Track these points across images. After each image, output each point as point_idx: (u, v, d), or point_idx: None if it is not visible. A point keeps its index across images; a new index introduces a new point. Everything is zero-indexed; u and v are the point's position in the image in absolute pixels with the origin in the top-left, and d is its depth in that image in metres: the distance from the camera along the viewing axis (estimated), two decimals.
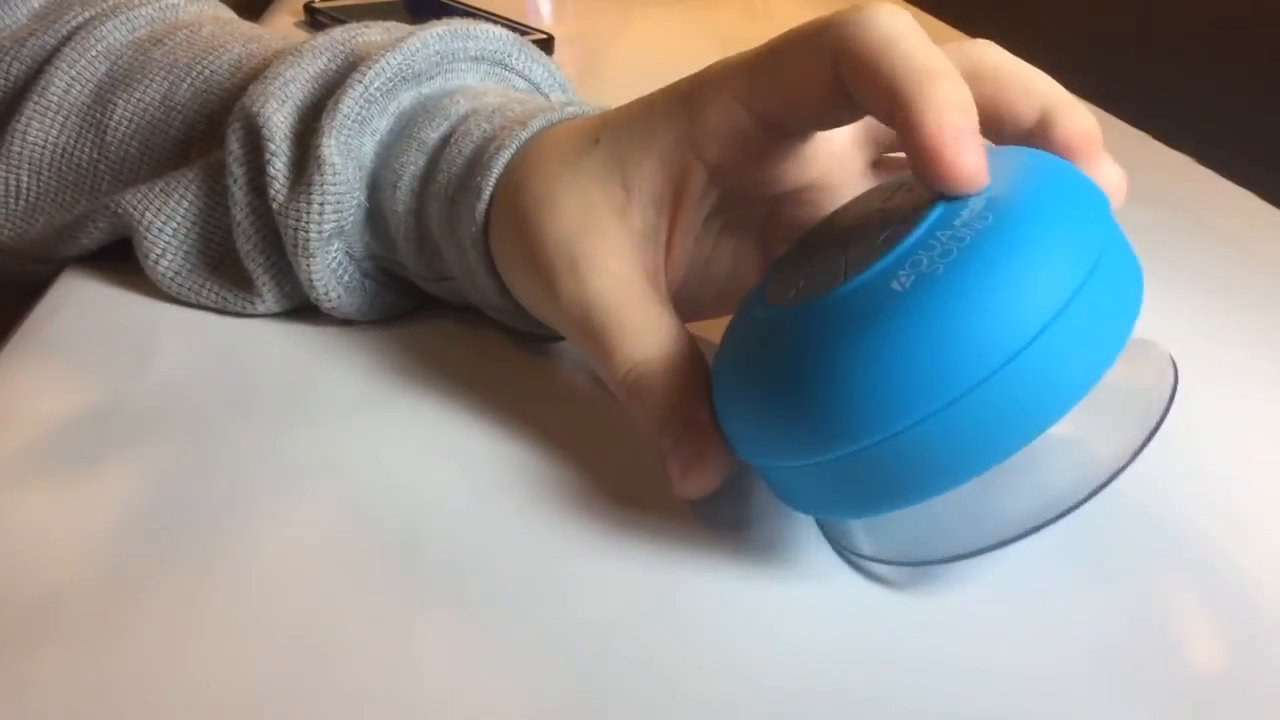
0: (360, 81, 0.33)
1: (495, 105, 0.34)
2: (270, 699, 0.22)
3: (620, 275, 0.29)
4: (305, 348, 0.35)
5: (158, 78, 0.37)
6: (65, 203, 0.38)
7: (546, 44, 0.67)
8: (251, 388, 0.33)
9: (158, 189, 0.36)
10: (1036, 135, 0.27)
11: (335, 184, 0.33)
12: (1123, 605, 0.26)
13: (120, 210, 0.36)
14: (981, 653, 0.25)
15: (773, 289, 0.26)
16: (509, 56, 0.37)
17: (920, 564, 0.26)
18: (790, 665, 0.24)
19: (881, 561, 0.27)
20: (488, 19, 0.41)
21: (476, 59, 0.36)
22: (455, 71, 0.36)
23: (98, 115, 0.37)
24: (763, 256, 0.32)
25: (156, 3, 0.40)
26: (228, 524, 0.27)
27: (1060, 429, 0.24)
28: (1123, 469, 0.23)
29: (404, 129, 0.34)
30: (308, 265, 0.34)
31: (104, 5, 0.39)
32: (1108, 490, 0.30)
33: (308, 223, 0.33)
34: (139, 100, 0.37)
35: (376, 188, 0.34)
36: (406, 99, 0.35)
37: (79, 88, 0.37)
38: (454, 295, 0.36)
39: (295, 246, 0.33)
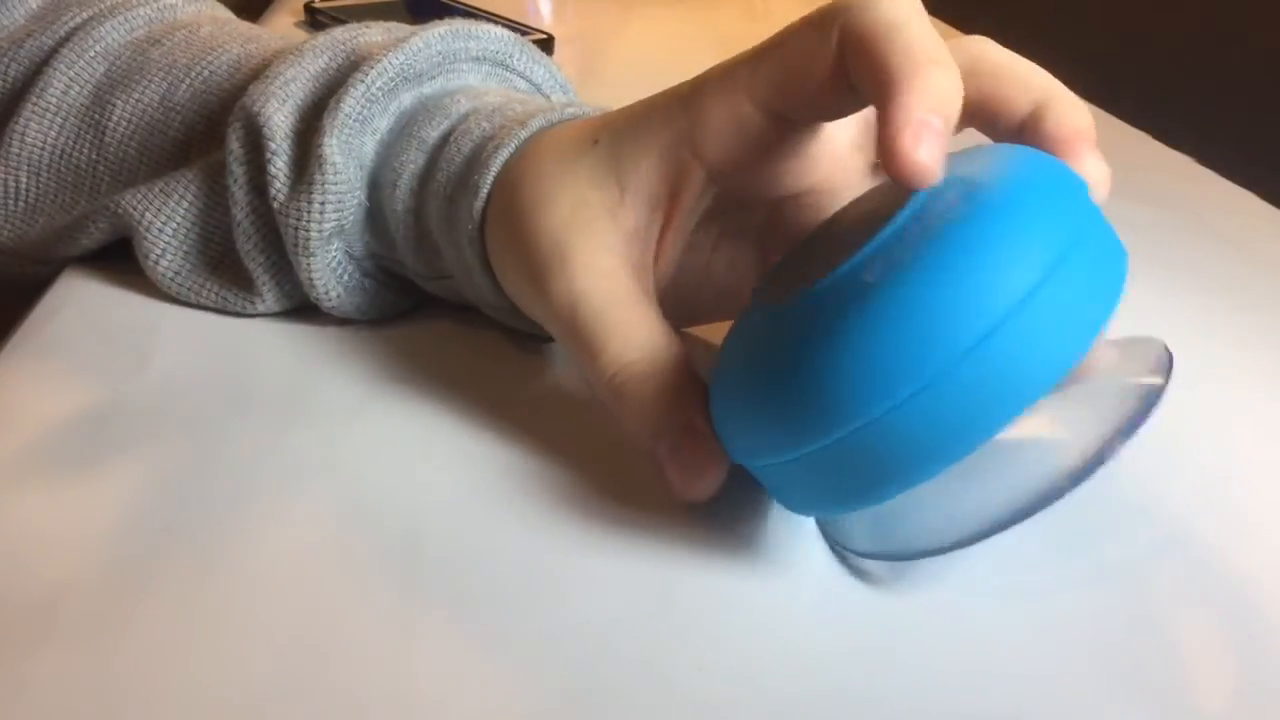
0: (362, 81, 0.33)
1: (495, 105, 0.34)
2: (270, 699, 0.22)
3: (608, 273, 0.29)
4: (305, 347, 0.35)
5: (156, 78, 0.37)
6: (65, 204, 0.38)
7: (546, 44, 0.67)
8: (251, 387, 0.33)
9: (157, 189, 0.36)
10: (1028, 128, 0.27)
11: (336, 183, 0.33)
12: (1122, 605, 0.26)
13: (120, 211, 0.36)
14: (981, 652, 0.25)
15: (765, 290, 0.27)
16: (510, 57, 0.37)
17: (917, 556, 0.26)
18: (790, 665, 0.24)
19: (880, 557, 0.27)
20: (488, 19, 0.41)
21: (478, 59, 0.36)
22: (456, 72, 0.36)
23: (96, 116, 0.37)
24: (762, 263, 0.32)
25: (154, 3, 0.40)
26: (228, 524, 0.27)
27: (1050, 419, 0.24)
28: (1112, 455, 0.23)
29: (404, 128, 0.34)
30: (308, 264, 0.34)
31: (102, 5, 0.39)
32: (1107, 490, 0.30)
33: (308, 222, 0.33)
34: (138, 101, 0.37)
35: (376, 186, 0.34)
36: (407, 99, 0.35)
37: (77, 89, 0.37)
38: (453, 294, 0.36)
39: (296, 246, 0.33)
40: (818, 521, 0.28)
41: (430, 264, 0.34)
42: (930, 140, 0.23)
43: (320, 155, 0.32)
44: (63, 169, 0.38)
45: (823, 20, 0.26)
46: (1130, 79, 0.77)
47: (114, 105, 0.37)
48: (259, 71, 0.37)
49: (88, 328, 0.35)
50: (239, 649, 0.24)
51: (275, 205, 0.33)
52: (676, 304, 0.32)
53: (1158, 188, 0.54)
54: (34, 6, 0.39)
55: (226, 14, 0.43)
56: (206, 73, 0.37)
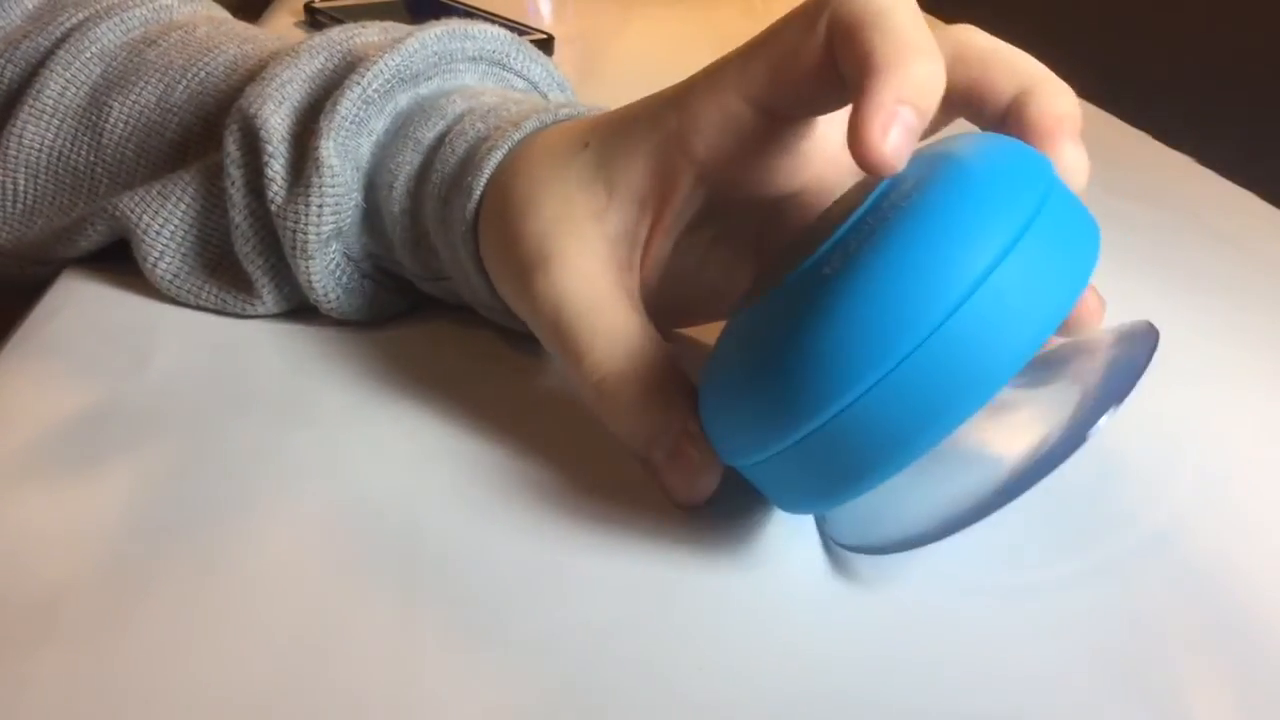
0: (358, 83, 0.33)
1: (491, 105, 0.34)
2: (270, 698, 0.22)
3: (591, 276, 0.29)
4: (303, 348, 0.35)
5: (153, 80, 0.37)
6: (63, 205, 0.38)
7: (546, 44, 0.67)
8: (250, 388, 0.33)
9: (155, 191, 0.36)
10: (1011, 115, 0.27)
11: (334, 186, 0.33)
12: (1121, 605, 0.26)
13: (118, 213, 0.36)
14: (980, 652, 0.25)
15: (748, 294, 0.27)
16: (507, 56, 0.37)
17: (908, 547, 0.26)
18: (789, 665, 0.24)
19: (870, 551, 0.27)
20: (487, 19, 0.41)
21: (475, 59, 0.36)
22: (453, 72, 0.36)
23: (93, 118, 0.37)
24: (758, 264, 0.32)
25: (150, 3, 0.39)
26: (227, 524, 0.27)
27: (1029, 398, 0.24)
28: (1093, 432, 0.23)
29: (400, 129, 0.34)
30: (306, 267, 0.34)
31: (98, 6, 0.39)
32: (1106, 489, 0.30)
33: (306, 225, 0.33)
34: (134, 102, 0.37)
35: (373, 188, 0.34)
36: (404, 100, 0.35)
37: (74, 90, 0.37)
38: (450, 295, 0.36)
39: (294, 248, 0.33)
40: (815, 519, 0.28)
41: (428, 265, 0.34)
42: (898, 130, 0.23)
43: (317, 158, 0.32)
44: (60, 171, 0.38)
45: (812, 10, 0.26)
46: (1130, 79, 0.77)
47: (111, 107, 0.37)
48: (255, 72, 0.37)
49: (87, 328, 0.35)
50: (238, 649, 0.24)
51: (273, 208, 0.33)
52: (670, 304, 0.32)
53: (1158, 188, 0.54)
54: (30, 7, 0.39)
55: (223, 14, 0.43)
56: (203, 74, 0.37)
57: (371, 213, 0.34)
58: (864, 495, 0.24)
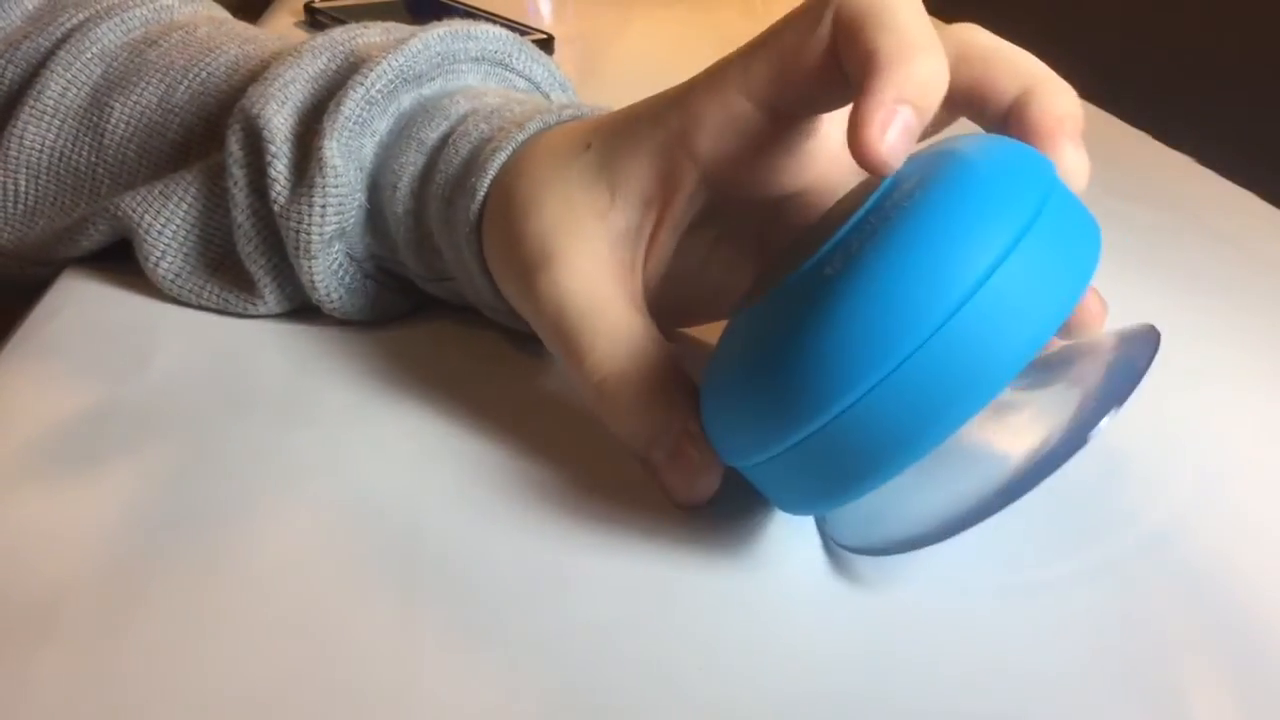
0: (362, 84, 0.33)
1: (494, 106, 0.34)
2: (270, 698, 0.22)
3: (593, 276, 0.29)
4: (305, 348, 0.35)
5: (154, 80, 0.37)
6: (64, 206, 0.38)
7: (546, 44, 0.67)
8: (251, 388, 0.33)
9: (157, 191, 0.36)
10: (1012, 115, 0.27)
11: (337, 186, 0.33)
12: (1121, 604, 0.26)
13: (119, 213, 0.36)
14: (980, 652, 0.25)
15: (748, 296, 0.27)
16: (509, 57, 0.37)
17: (909, 548, 0.26)
18: (789, 665, 0.24)
19: (871, 552, 0.27)
20: (488, 19, 0.41)
21: (477, 59, 0.36)
22: (456, 72, 0.36)
23: (95, 118, 0.37)
24: (761, 264, 0.32)
25: (151, 4, 0.39)
26: (228, 524, 0.27)
27: (1031, 399, 0.24)
28: (1094, 434, 0.23)
29: (404, 129, 0.34)
30: (309, 267, 0.34)
31: (98, 7, 0.39)
32: (1107, 489, 0.30)
33: (309, 225, 0.33)
34: (136, 103, 0.37)
35: (376, 188, 0.34)
36: (407, 100, 0.35)
37: (75, 91, 0.37)
38: (454, 295, 0.36)
39: (297, 248, 0.33)
40: (816, 520, 0.28)
41: (431, 265, 0.35)
42: (896, 129, 0.23)
43: (321, 159, 0.32)
44: (62, 171, 0.38)
45: (816, 7, 0.26)
46: (1130, 79, 0.77)
47: (112, 107, 0.37)
48: (257, 73, 0.37)
49: (88, 328, 0.35)
50: (239, 649, 0.24)
51: (276, 208, 0.33)
52: (672, 304, 0.32)
53: (1158, 188, 0.54)
54: (30, 8, 0.39)
55: (223, 14, 0.43)
56: (204, 74, 0.37)
57: (374, 213, 0.35)
58: (865, 496, 0.24)
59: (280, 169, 0.33)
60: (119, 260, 0.37)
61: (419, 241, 0.34)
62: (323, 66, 0.35)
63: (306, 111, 0.34)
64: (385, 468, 0.30)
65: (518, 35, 0.38)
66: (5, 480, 0.28)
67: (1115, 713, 0.23)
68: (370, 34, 0.36)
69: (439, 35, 0.35)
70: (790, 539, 0.28)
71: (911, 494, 0.26)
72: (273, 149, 0.33)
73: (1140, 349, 0.24)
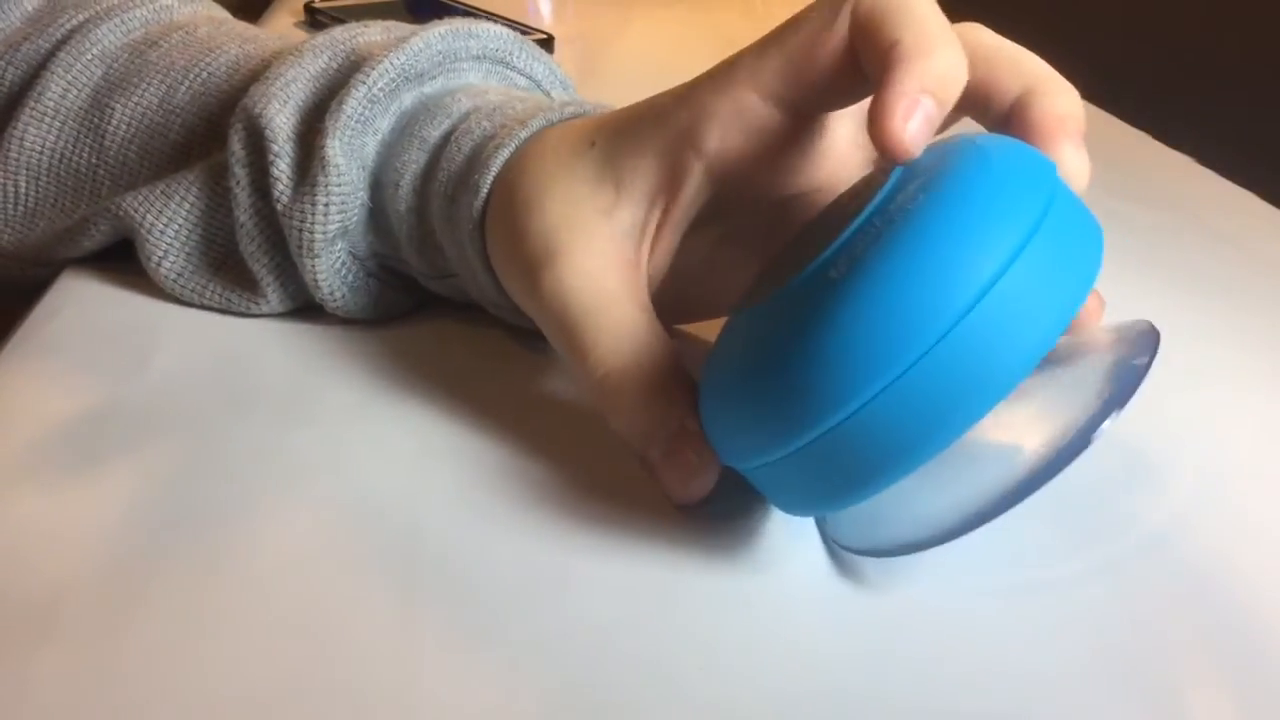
0: (364, 82, 0.33)
1: (496, 103, 0.34)
2: (271, 698, 0.22)
3: (598, 274, 0.29)
4: (307, 347, 0.35)
5: (155, 81, 0.37)
6: (65, 207, 0.38)
7: (546, 44, 0.67)
8: (252, 387, 0.33)
9: (159, 191, 0.36)
10: (1014, 114, 0.27)
11: (340, 185, 0.33)
12: (1121, 604, 0.26)
13: (121, 213, 0.36)
14: (980, 652, 0.25)
15: (746, 295, 0.27)
16: (510, 55, 0.37)
17: (909, 550, 0.26)
18: (790, 665, 0.24)
19: (874, 553, 0.27)
20: (488, 19, 0.41)
21: (478, 58, 0.36)
22: (457, 70, 0.36)
23: (95, 119, 0.37)
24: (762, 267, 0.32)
25: (151, 4, 0.39)
26: (229, 523, 0.27)
27: (1034, 402, 0.24)
28: (1097, 435, 0.23)
29: (405, 128, 0.34)
30: (312, 266, 0.34)
31: (98, 8, 0.39)
32: (1106, 489, 0.30)
33: (312, 223, 0.33)
34: (137, 104, 0.37)
35: (379, 186, 0.34)
36: (409, 98, 0.35)
37: (75, 92, 0.37)
38: (457, 293, 0.36)
39: (300, 247, 0.33)
40: (816, 520, 0.28)
41: (434, 263, 0.35)
42: (919, 118, 0.24)
43: (324, 157, 0.32)
44: (62, 173, 0.38)
45: (834, 2, 0.26)
46: (1130, 79, 0.77)
47: (113, 108, 0.37)
48: (258, 72, 0.37)
49: (88, 328, 0.35)
50: (239, 649, 0.24)
51: (279, 207, 0.33)
52: (676, 299, 0.32)
53: (1158, 188, 0.54)
54: (29, 9, 0.39)
55: (223, 14, 0.43)
56: (205, 74, 0.37)
57: (377, 212, 0.35)
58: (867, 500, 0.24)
59: (283, 168, 0.33)
60: (119, 260, 0.37)
61: (421, 239, 0.34)
62: (324, 65, 0.35)
63: (308, 110, 0.34)
64: (387, 467, 0.30)
65: (518, 33, 0.38)
66: (6, 480, 0.28)
67: (1115, 713, 0.23)
68: (371, 33, 0.36)
69: (440, 33, 0.35)
70: (790, 539, 0.28)
71: (913, 496, 0.26)
72: (275, 148, 0.33)
73: (1141, 348, 0.24)
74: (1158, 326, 0.25)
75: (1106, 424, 0.23)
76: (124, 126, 0.37)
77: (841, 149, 0.30)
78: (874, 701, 0.23)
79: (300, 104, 0.34)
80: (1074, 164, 0.26)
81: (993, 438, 0.25)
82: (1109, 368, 0.25)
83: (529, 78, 0.38)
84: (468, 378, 0.34)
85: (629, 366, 0.28)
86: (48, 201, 0.38)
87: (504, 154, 0.31)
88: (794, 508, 0.26)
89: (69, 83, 0.37)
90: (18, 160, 0.37)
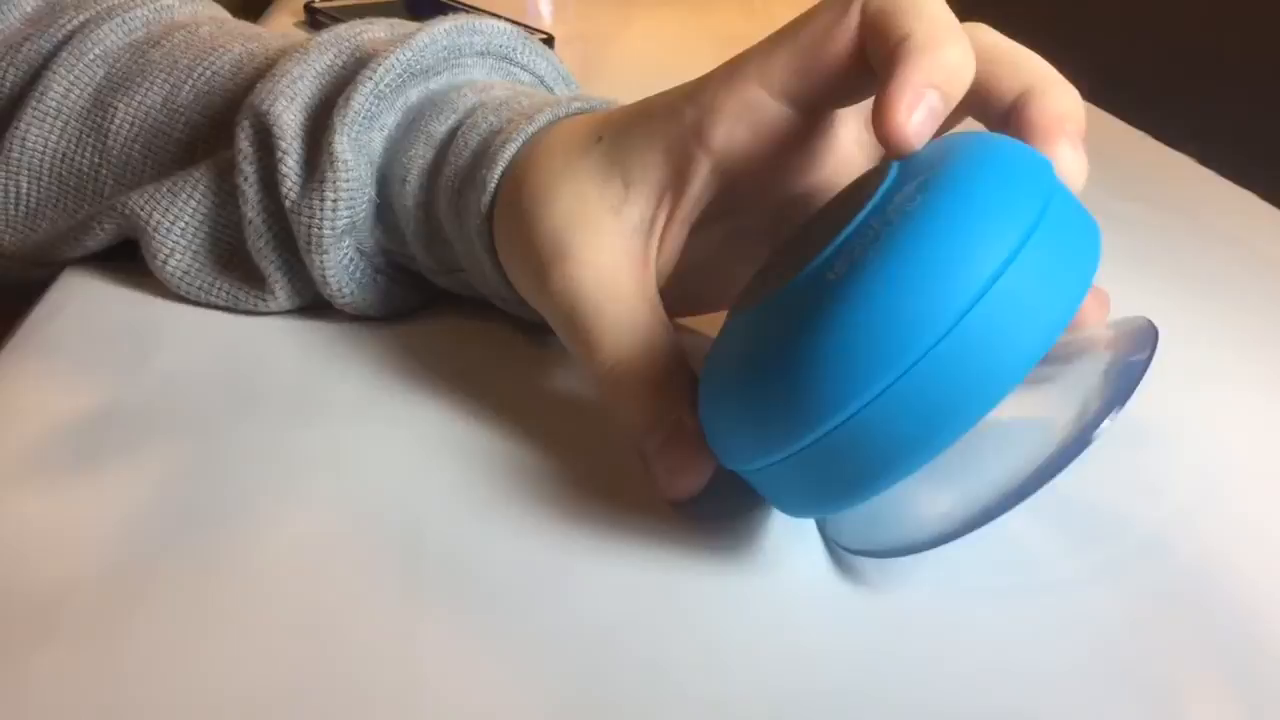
0: (370, 78, 0.33)
1: (502, 99, 0.34)
2: (273, 697, 0.22)
3: (606, 269, 0.29)
4: (312, 345, 0.35)
5: (158, 80, 0.37)
6: (67, 208, 0.38)
7: (546, 44, 0.67)
8: (256, 385, 0.33)
9: (165, 189, 0.36)
10: (1013, 114, 0.27)
11: (348, 180, 0.33)
12: (1121, 604, 0.26)
13: (127, 211, 0.36)
14: (980, 652, 0.25)
15: (745, 294, 0.27)
16: (514, 51, 0.37)
17: (910, 551, 0.26)
18: (790, 665, 0.24)
19: (873, 554, 0.27)
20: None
21: (482, 53, 0.37)
22: (461, 66, 0.36)
23: (98, 119, 0.37)
24: None
25: (151, 4, 0.39)
26: (232, 522, 0.27)
27: (1033, 402, 0.24)
28: (1096, 436, 0.23)
29: (412, 123, 0.34)
30: (321, 262, 0.34)
31: (99, 8, 0.39)
32: (1106, 490, 0.30)
33: (321, 219, 0.33)
34: (140, 103, 0.37)
35: (385, 182, 0.34)
36: (414, 94, 0.35)
37: (77, 92, 0.37)
38: (465, 287, 0.36)
39: (309, 243, 0.33)
40: (816, 521, 0.28)
41: (441, 258, 0.35)
42: (923, 112, 0.24)
43: (332, 153, 0.32)
44: (64, 173, 0.38)
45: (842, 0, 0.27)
46: (1130, 79, 0.77)
47: (116, 108, 0.37)
48: (262, 70, 0.37)
49: (89, 326, 0.35)
50: (241, 647, 0.24)
51: (287, 204, 0.33)
52: (684, 292, 0.32)
53: (1158, 188, 0.54)
54: (28, 10, 0.39)
55: (223, 13, 0.43)
56: (209, 73, 0.37)
57: (384, 207, 0.35)
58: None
59: (291, 164, 0.33)
60: (121, 259, 0.37)
61: (429, 234, 0.34)
62: (329, 62, 0.35)
63: (315, 107, 0.34)
64: (391, 466, 0.30)
65: (520, 29, 0.38)
66: (6, 480, 0.28)
67: (1115, 713, 0.23)
68: (375, 30, 0.36)
69: (445, 29, 0.35)
70: (791, 540, 0.28)
71: (912, 498, 0.26)
72: (283, 145, 0.33)
73: (1139, 347, 0.24)
74: (1157, 326, 0.25)
75: (1106, 423, 0.23)
76: (127, 126, 0.37)
77: (846, 148, 0.30)
78: (873, 701, 0.23)
79: (307, 101, 0.34)
80: (1071, 163, 0.26)
81: (992, 438, 0.25)
82: (1108, 366, 0.25)
83: (532, 73, 0.38)
84: (474, 374, 0.34)
85: (636, 361, 0.28)
86: (50, 202, 0.38)
87: (511, 149, 0.32)
88: (794, 509, 0.26)
89: (71, 83, 0.37)
90: (19, 161, 0.37)
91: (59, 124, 0.37)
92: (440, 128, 0.34)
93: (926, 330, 0.21)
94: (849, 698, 0.23)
